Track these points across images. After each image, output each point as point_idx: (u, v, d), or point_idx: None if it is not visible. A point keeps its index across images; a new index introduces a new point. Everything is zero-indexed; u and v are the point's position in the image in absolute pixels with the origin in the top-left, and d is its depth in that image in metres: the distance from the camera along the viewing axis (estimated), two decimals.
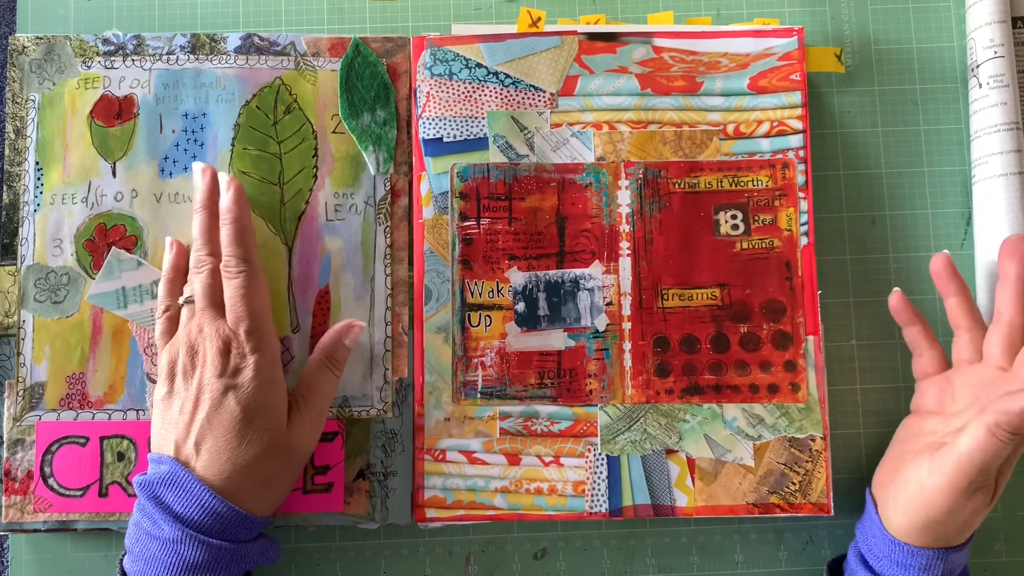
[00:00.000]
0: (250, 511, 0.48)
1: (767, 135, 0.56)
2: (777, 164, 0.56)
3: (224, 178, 0.52)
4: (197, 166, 0.53)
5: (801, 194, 0.56)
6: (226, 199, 0.51)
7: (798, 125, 0.56)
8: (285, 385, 0.50)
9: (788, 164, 0.56)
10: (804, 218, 0.55)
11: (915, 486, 0.48)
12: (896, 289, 0.54)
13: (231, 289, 0.50)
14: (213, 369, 0.48)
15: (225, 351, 0.48)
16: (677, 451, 0.54)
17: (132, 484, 0.52)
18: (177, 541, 0.46)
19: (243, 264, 0.50)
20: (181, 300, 0.51)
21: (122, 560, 0.48)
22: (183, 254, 0.53)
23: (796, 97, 0.56)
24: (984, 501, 0.47)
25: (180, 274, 0.53)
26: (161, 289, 0.52)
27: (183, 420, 0.48)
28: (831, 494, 0.54)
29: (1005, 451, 0.45)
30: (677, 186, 0.56)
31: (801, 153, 0.56)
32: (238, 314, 0.49)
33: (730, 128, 0.56)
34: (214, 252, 0.51)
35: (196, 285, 0.51)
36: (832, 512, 0.54)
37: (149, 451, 0.51)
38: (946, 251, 0.53)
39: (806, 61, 0.58)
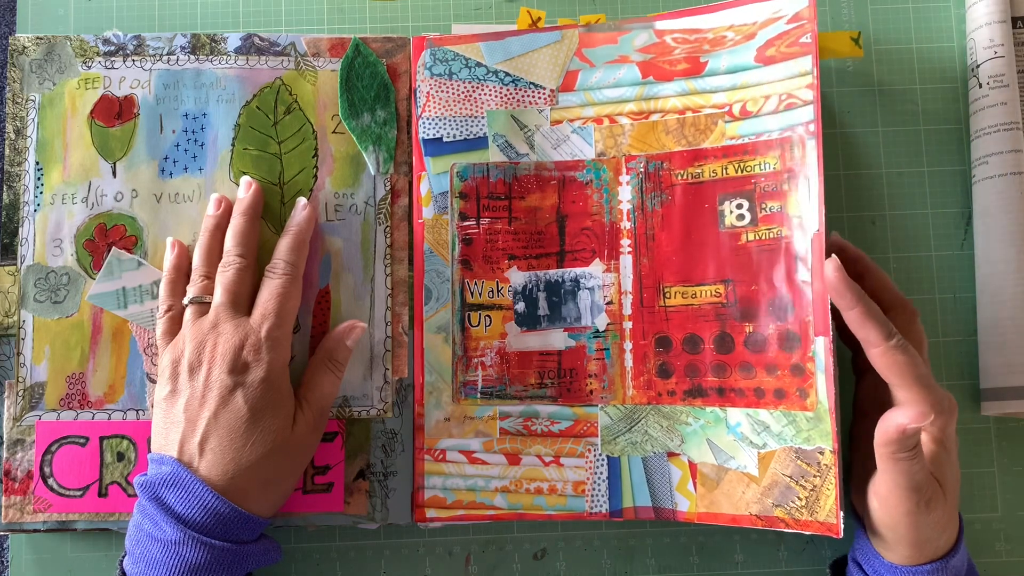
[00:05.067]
0: (252, 512, 0.48)
1: (775, 111, 0.52)
2: (786, 143, 0.51)
3: (302, 200, 0.54)
4: (244, 179, 0.54)
5: (811, 173, 0.50)
6: (299, 216, 0.53)
7: (808, 95, 0.51)
8: (292, 389, 0.50)
9: (798, 141, 0.51)
10: (814, 202, 0.50)
11: (885, 525, 0.48)
12: (831, 257, 0.47)
13: (270, 288, 0.51)
14: (224, 365, 0.48)
15: (240, 348, 0.48)
16: (679, 454, 0.53)
17: (132, 484, 0.52)
18: (178, 542, 0.46)
19: (291, 269, 0.51)
20: (186, 300, 0.51)
21: (122, 561, 0.48)
22: (185, 254, 0.53)
23: (807, 63, 0.51)
24: (943, 501, 0.47)
25: (182, 274, 0.53)
26: (163, 289, 0.52)
27: (188, 418, 0.48)
28: (840, 514, 0.48)
29: (916, 465, 0.45)
30: (680, 177, 0.54)
31: (811, 127, 0.50)
32: (266, 312, 0.50)
33: (736, 108, 0.53)
34: (245, 255, 0.52)
35: (220, 281, 0.51)
36: (841, 534, 0.48)
37: (149, 451, 0.51)
38: (833, 256, 0.47)
39: (819, 38, 0.52)
